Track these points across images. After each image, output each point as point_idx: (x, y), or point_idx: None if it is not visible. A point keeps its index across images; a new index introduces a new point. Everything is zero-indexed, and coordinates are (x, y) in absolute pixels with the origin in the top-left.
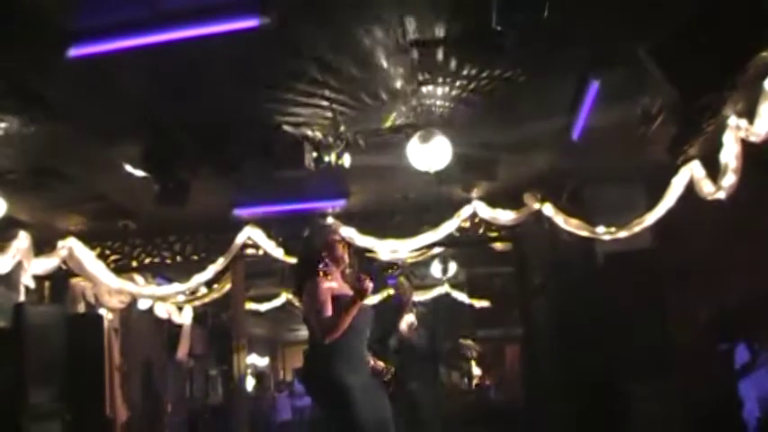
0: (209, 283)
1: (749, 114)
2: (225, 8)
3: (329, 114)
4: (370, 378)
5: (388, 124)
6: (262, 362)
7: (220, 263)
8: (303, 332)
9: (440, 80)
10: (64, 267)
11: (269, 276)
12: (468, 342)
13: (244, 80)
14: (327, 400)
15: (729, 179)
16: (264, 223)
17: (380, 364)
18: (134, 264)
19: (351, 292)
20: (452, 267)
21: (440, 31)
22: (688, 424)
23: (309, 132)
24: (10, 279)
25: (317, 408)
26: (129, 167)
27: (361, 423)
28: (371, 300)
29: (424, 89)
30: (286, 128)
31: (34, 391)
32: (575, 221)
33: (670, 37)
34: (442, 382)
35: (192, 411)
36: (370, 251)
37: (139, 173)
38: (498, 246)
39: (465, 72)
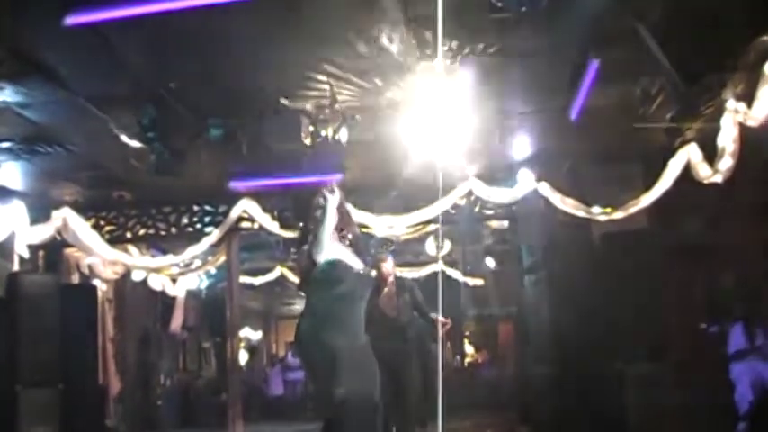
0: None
1: (748, 98)
2: None
3: (327, 89)
4: (362, 345)
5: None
6: (255, 335)
7: (215, 235)
8: (297, 306)
9: (439, 55)
10: (58, 237)
11: (263, 249)
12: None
13: (242, 53)
14: (314, 362)
15: (726, 162)
16: (260, 196)
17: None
18: (128, 235)
19: None
20: (447, 245)
21: (440, 6)
22: (681, 404)
23: (307, 106)
24: (4, 248)
25: (306, 372)
26: (125, 137)
27: (343, 397)
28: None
29: (423, 65)
30: (284, 101)
31: (28, 360)
32: (571, 201)
33: (672, 19)
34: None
35: (185, 383)
36: (366, 227)
37: (136, 143)
38: (494, 224)
39: (464, 48)
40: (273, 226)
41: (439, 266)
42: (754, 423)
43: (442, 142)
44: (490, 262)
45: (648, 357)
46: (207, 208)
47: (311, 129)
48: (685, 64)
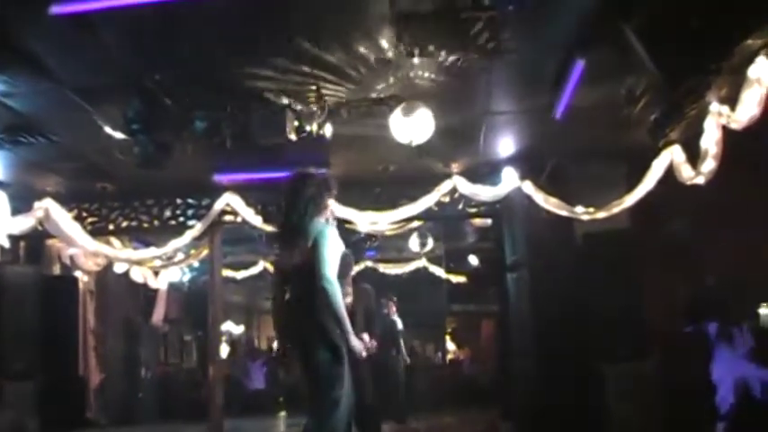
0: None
1: (731, 101)
2: None
3: (312, 83)
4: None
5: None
6: (237, 329)
7: (198, 228)
8: None
9: (424, 52)
10: (40, 228)
11: (246, 243)
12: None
13: (227, 45)
14: (314, 354)
15: (709, 165)
16: (244, 190)
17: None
18: (111, 227)
19: None
20: (430, 241)
21: (426, 4)
22: (661, 404)
23: (292, 101)
24: None
25: (298, 364)
26: (109, 129)
27: (345, 388)
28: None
29: (408, 61)
30: (268, 95)
31: (8, 350)
32: (554, 200)
33: (657, 20)
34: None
35: (166, 376)
36: (350, 222)
37: (120, 135)
38: (477, 221)
39: (450, 45)
40: (257, 220)
41: (422, 263)
42: (735, 424)
43: (426, 139)
44: (473, 259)
45: (629, 355)
46: (190, 201)
47: (296, 123)
48: (670, 66)
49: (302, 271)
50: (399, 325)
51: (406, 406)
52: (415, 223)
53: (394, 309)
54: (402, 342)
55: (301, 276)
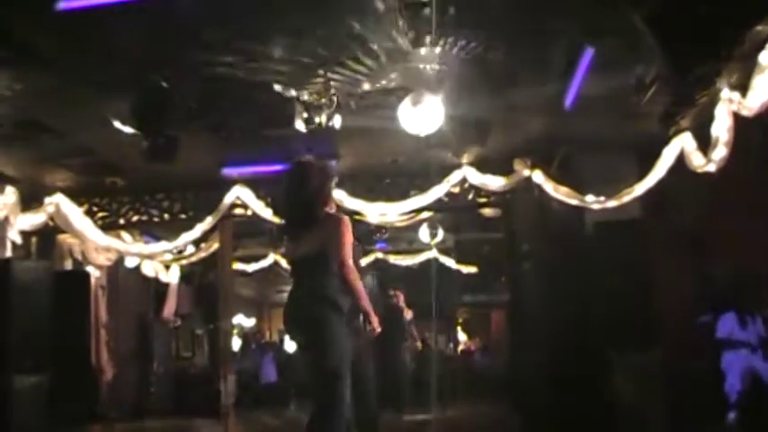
0: (196, 242)
1: (742, 87)
2: None
3: (321, 74)
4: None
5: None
6: (248, 322)
7: (208, 222)
8: None
9: (433, 42)
10: (51, 223)
11: (257, 236)
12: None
13: (235, 37)
14: (319, 343)
15: (720, 152)
16: (253, 183)
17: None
18: (121, 221)
19: None
20: (440, 232)
21: None
22: (669, 393)
23: (300, 92)
24: None
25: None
26: (117, 123)
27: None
28: None
29: (416, 51)
30: (277, 87)
31: (19, 346)
32: (564, 189)
33: (667, 7)
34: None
35: (178, 370)
36: (359, 214)
37: (128, 129)
38: (487, 212)
39: (459, 35)
40: (267, 213)
41: (433, 254)
42: (744, 413)
43: (435, 129)
44: (483, 250)
45: (639, 346)
46: (200, 194)
47: (305, 115)
48: (680, 53)
49: (310, 260)
50: (408, 315)
51: (411, 399)
52: (426, 214)
53: (402, 299)
54: (414, 330)
55: (309, 266)
